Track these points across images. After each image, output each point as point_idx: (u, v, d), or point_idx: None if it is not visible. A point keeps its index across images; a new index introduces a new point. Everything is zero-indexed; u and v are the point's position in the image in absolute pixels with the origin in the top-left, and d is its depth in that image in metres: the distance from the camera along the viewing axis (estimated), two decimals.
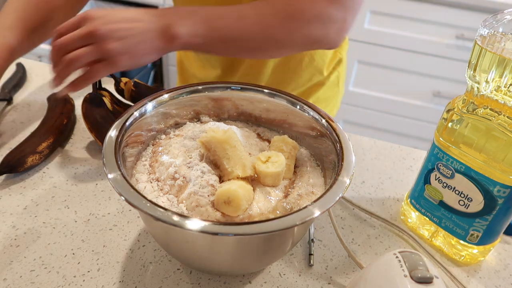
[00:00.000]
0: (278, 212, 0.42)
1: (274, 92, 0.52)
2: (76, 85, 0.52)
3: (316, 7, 0.56)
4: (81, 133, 0.67)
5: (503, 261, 0.52)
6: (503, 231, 0.49)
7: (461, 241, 0.50)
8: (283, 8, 0.55)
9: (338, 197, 0.38)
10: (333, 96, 0.85)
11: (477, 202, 0.46)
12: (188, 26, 0.52)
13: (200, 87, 0.52)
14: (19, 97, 0.75)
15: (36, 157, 0.58)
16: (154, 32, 0.51)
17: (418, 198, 0.53)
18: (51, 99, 0.69)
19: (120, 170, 0.38)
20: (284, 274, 0.47)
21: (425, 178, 0.51)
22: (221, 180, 0.43)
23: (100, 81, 0.65)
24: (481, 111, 0.44)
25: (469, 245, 0.49)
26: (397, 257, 0.35)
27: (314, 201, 0.37)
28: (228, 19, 0.54)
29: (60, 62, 0.49)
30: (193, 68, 0.82)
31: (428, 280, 0.33)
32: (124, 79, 0.66)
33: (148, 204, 0.35)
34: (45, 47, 1.58)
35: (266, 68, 0.74)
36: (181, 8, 0.54)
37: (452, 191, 0.48)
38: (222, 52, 0.59)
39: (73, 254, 0.47)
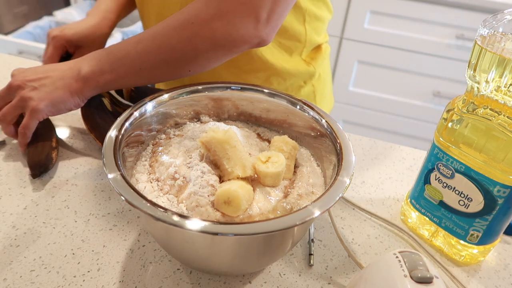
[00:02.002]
0: (278, 212, 0.42)
1: (274, 92, 0.52)
2: (20, 144, 0.59)
3: (214, 5, 0.50)
4: (81, 133, 0.67)
5: (503, 261, 0.52)
6: (503, 231, 0.49)
7: (461, 241, 0.50)
8: (176, 19, 0.52)
9: (338, 197, 0.38)
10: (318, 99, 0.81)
11: (477, 202, 0.46)
12: (93, 66, 0.54)
13: (200, 87, 0.52)
14: None
15: (56, 152, 0.60)
16: (67, 79, 0.55)
17: (418, 198, 0.53)
18: None
19: (120, 170, 0.38)
20: (284, 274, 0.47)
21: (425, 178, 0.51)
22: (221, 180, 0.43)
23: None
24: (481, 111, 0.44)
25: (469, 245, 0.49)
26: (397, 257, 0.35)
27: (314, 201, 0.37)
28: (127, 46, 0.54)
29: None
30: None
31: (428, 280, 0.33)
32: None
33: (148, 204, 0.35)
34: None
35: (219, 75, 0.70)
36: (94, 52, 0.56)
37: (452, 191, 0.48)
38: (137, 81, 0.56)
39: (73, 254, 0.47)
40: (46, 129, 0.62)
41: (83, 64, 0.55)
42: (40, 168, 0.57)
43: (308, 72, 0.74)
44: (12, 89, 0.56)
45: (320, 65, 0.77)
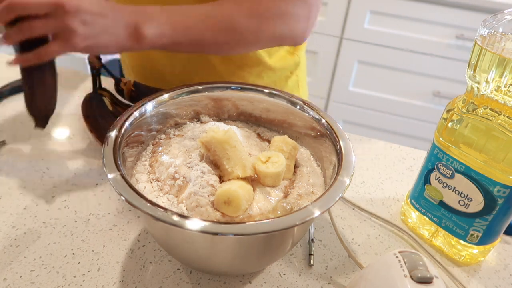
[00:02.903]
0: (278, 212, 0.42)
1: (274, 92, 0.52)
2: (20, 61, 0.49)
3: (281, 5, 0.57)
4: (81, 133, 0.67)
5: (503, 261, 0.52)
6: (503, 231, 0.49)
7: (461, 241, 0.50)
8: (249, 7, 0.56)
9: (338, 197, 0.38)
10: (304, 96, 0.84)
11: (477, 202, 0.46)
12: (155, 28, 0.51)
13: (200, 87, 0.52)
14: (19, 96, 0.75)
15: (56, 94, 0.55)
16: (121, 29, 0.50)
17: (418, 198, 0.53)
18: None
19: (120, 170, 0.38)
20: (284, 274, 0.47)
21: (425, 178, 0.51)
22: (221, 180, 0.43)
23: (100, 81, 0.65)
24: (481, 111, 0.44)
25: (469, 245, 0.49)
26: (397, 257, 0.35)
27: (314, 201, 0.37)
28: (194, 19, 0.54)
29: (10, 24, 0.47)
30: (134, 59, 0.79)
31: (428, 280, 0.33)
32: (124, 79, 0.66)
33: (148, 204, 0.35)
34: None
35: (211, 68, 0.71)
36: (148, 8, 0.53)
37: (452, 191, 0.48)
38: (189, 50, 0.59)
39: (73, 254, 0.47)
40: (52, 65, 0.55)
41: (142, 21, 0.51)
42: (47, 116, 0.52)
43: (294, 62, 0.77)
44: (59, 8, 0.47)
45: (302, 52, 0.79)
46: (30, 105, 0.52)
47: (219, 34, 0.55)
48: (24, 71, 0.51)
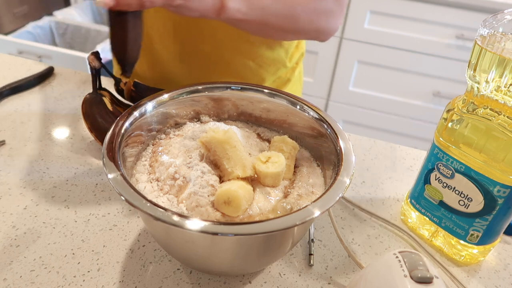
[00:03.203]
0: (278, 212, 0.42)
1: (274, 92, 0.52)
2: (127, 3, 0.48)
3: (328, 3, 0.63)
4: (81, 133, 0.67)
5: (503, 261, 0.52)
6: (503, 231, 0.49)
7: (461, 241, 0.50)
8: (316, 6, 0.62)
9: (338, 197, 0.38)
10: (297, 93, 0.86)
11: (477, 202, 0.46)
12: (236, 3, 0.54)
13: (200, 87, 0.52)
14: (19, 96, 0.75)
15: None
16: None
17: (418, 198, 0.53)
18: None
19: (120, 170, 0.38)
20: (284, 274, 0.47)
21: (425, 178, 0.51)
22: (221, 180, 0.43)
23: (100, 81, 0.65)
24: (481, 111, 0.44)
25: (469, 245, 0.49)
26: (397, 257, 0.35)
27: (314, 201, 0.37)
28: (267, 1, 0.58)
29: None
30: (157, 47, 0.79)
31: (428, 280, 0.33)
32: (124, 79, 0.66)
33: (148, 204, 0.35)
34: (47, 48, 1.58)
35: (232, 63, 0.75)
36: None
37: (452, 191, 0.48)
38: (253, 29, 0.63)
39: (73, 254, 0.47)
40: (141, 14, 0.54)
41: None
42: (134, 63, 0.52)
43: (300, 54, 0.81)
44: None
45: (303, 43, 0.83)
46: (121, 51, 0.52)
47: (283, 20, 0.61)
48: (119, 17, 0.50)
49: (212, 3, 0.53)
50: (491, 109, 0.43)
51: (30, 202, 0.53)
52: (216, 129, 0.44)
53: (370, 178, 0.64)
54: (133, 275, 0.46)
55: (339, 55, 1.67)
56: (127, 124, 0.45)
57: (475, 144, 0.45)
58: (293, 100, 0.52)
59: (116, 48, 0.51)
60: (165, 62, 0.75)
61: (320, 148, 0.49)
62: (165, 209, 0.34)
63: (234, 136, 0.43)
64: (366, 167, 0.66)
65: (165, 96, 0.50)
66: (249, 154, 0.47)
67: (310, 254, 0.49)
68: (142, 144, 0.49)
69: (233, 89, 0.53)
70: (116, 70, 0.58)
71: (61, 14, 1.96)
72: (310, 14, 0.62)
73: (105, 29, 1.87)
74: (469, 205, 0.47)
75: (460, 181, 0.47)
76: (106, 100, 0.63)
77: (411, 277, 0.33)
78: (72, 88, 0.79)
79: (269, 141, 0.52)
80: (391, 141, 0.73)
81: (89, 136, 0.66)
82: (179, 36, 0.71)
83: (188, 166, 0.43)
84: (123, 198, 0.35)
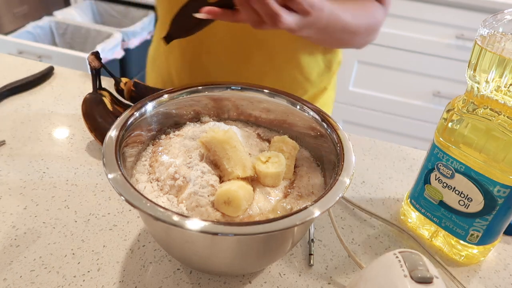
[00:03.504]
0: (278, 212, 0.42)
1: (274, 92, 0.52)
2: (257, 22, 0.49)
3: (383, 22, 0.68)
4: (81, 133, 0.67)
5: (503, 261, 0.52)
6: (503, 231, 0.49)
7: (461, 241, 0.50)
8: (370, 19, 0.65)
9: (338, 197, 0.38)
10: (331, 100, 0.86)
11: (477, 202, 0.46)
12: (324, 14, 0.54)
13: (200, 87, 0.52)
14: (19, 96, 0.75)
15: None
16: (316, 28, 0.54)
17: (418, 198, 0.53)
18: None
19: (120, 170, 0.38)
20: (284, 274, 0.47)
21: (425, 178, 0.51)
22: (221, 180, 0.43)
23: (100, 81, 0.65)
24: (481, 111, 0.44)
25: (469, 245, 0.49)
26: (397, 257, 0.35)
27: (314, 201, 0.37)
28: (343, 15, 0.59)
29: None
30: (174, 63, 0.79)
31: (428, 280, 0.33)
32: (124, 79, 0.66)
33: (148, 204, 0.35)
34: (47, 48, 1.58)
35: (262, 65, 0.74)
36: (331, 4, 0.56)
37: (452, 191, 0.48)
38: (321, 36, 0.63)
39: (73, 254, 0.47)
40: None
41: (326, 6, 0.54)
42: (178, 37, 0.53)
43: (329, 76, 0.82)
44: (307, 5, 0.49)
45: (338, 66, 0.83)
46: (179, 27, 0.54)
47: (348, 34, 0.63)
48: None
49: (315, 31, 0.55)
50: (491, 109, 0.43)
51: (30, 202, 0.53)
52: (216, 129, 0.44)
53: (370, 178, 0.64)
54: (133, 275, 0.46)
55: None
56: (127, 124, 0.45)
57: (475, 144, 0.45)
58: (293, 100, 0.52)
59: (178, 21, 0.53)
60: (211, 73, 0.74)
61: (320, 148, 0.49)
62: (165, 209, 0.34)
63: (234, 136, 0.43)
64: (366, 167, 0.66)
65: (165, 96, 0.50)
66: (249, 154, 0.47)
67: (310, 254, 0.49)
68: (142, 144, 0.49)
69: (233, 89, 0.53)
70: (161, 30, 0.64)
71: (61, 14, 1.96)
72: (368, 28, 0.65)
73: (105, 29, 1.87)
74: (469, 205, 0.47)
75: (460, 181, 0.47)
76: (106, 100, 0.63)
77: (411, 277, 0.33)
78: (72, 88, 0.79)
79: (269, 141, 0.52)
80: (391, 141, 0.73)
81: (89, 136, 0.66)
82: (234, 44, 0.71)
83: (188, 166, 0.43)
84: (123, 198, 0.35)
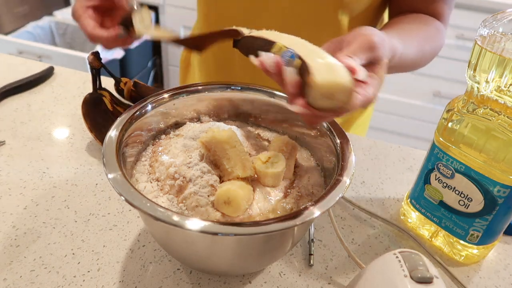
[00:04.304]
0: (278, 212, 0.42)
1: (274, 92, 0.52)
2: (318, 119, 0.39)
3: (444, 41, 0.65)
4: (81, 133, 0.67)
5: (503, 261, 0.52)
6: (503, 231, 0.49)
7: (461, 241, 0.50)
8: (435, 48, 0.62)
9: (338, 197, 0.38)
10: (369, 119, 0.85)
11: (477, 202, 0.46)
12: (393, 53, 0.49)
13: (200, 87, 0.52)
14: (19, 96, 0.75)
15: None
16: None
17: (418, 198, 0.53)
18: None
19: (120, 170, 0.38)
20: (284, 274, 0.47)
21: (425, 178, 0.51)
22: (221, 180, 0.43)
23: (100, 81, 0.65)
24: (481, 111, 0.44)
25: (469, 245, 0.49)
26: (397, 257, 0.35)
27: (314, 201, 0.37)
28: (412, 50, 0.55)
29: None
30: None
31: (428, 280, 0.33)
32: (124, 79, 0.66)
33: (148, 204, 0.35)
34: (47, 48, 1.58)
35: None
36: (394, 43, 0.49)
37: (452, 191, 0.48)
38: (396, 71, 0.63)
39: (73, 254, 0.47)
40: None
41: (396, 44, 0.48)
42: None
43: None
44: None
45: None
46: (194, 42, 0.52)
47: (413, 63, 0.60)
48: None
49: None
50: (491, 109, 0.43)
51: (30, 202, 0.53)
52: (216, 129, 0.44)
53: (370, 178, 0.64)
54: (133, 275, 0.46)
55: None
56: (127, 124, 0.45)
57: (475, 144, 0.45)
58: None
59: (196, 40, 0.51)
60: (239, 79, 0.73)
61: (320, 148, 0.49)
62: (165, 209, 0.34)
63: (234, 136, 0.43)
64: (366, 167, 0.66)
65: (165, 96, 0.50)
66: (249, 154, 0.47)
67: (310, 254, 0.49)
68: (142, 144, 0.49)
69: (233, 89, 0.53)
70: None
71: (61, 14, 1.96)
72: (432, 54, 0.62)
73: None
74: (469, 205, 0.47)
75: (460, 181, 0.47)
76: (106, 100, 0.63)
77: (411, 277, 0.33)
78: (72, 88, 0.79)
79: (269, 141, 0.52)
80: (391, 141, 0.73)
81: (89, 136, 0.66)
82: None
83: (188, 166, 0.43)
84: (123, 198, 0.35)
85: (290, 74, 0.35)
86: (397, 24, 0.61)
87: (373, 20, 0.68)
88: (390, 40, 0.43)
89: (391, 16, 0.67)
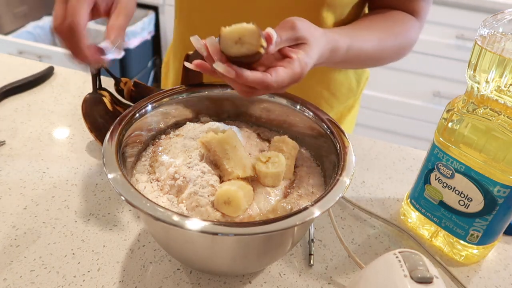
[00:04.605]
0: (278, 212, 0.42)
1: (274, 92, 0.52)
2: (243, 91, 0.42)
3: (418, 37, 0.65)
4: (81, 133, 0.67)
5: (503, 261, 0.52)
6: (503, 231, 0.49)
7: (461, 241, 0.50)
8: (401, 43, 0.63)
9: (338, 197, 0.38)
10: (355, 118, 0.85)
11: (477, 202, 0.46)
12: (341, 54, 0.51)
13: (200, 87, 0.52)
14: (19, 96, 0.75)
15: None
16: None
17: (418, 198, 0.53)
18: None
19: (120, 170, 0.38)
20: (284, 274, 0.47)
21: (425, 178, 0.51)
22: (221, 180, 0.43)
23: (100, 81, 0.65)
24: (481, 111, 0.44)
25: (469, 245, 0.49)
26: (397, 257, 0.35)
27: (314, 201, 0.37)
28: (364, 44, 0.56)
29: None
30: None
31: (428, 280, 0.33)
32: (124, 79, 0.66)
33: (148, 204, 0.35)
34: (47, 48, 1.58)
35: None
36: (337, 39, 0.50)
37: (452, 191, 0.48)
38: (340, 66, 0.64)
39: (73, 254, 0.47)
40: None
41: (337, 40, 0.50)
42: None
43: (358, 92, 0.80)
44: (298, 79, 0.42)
45: (366, 81, 0.81)
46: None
47: (375, 60, 0.62)
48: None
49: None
50: (491, 109, 0.43)
51: (30, 202, 0.53)
52: (216, 129, 0.44)
53: (370, 178, 0.64)
54: (133, 275, 0.46)
55: None
56: (127, 124, 0.45)
57: (475, 144, 0.45)
58: (293, 100, 0.52)
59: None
60: None
61: (320, 148, 0.49)
62: (165, 209, 0.34)
63: (234, 136, 0.43)
64: (366, 167, 0.66)
65: (165, 96, 0.50)
66: (249, 154, 0.47)
67: (310, 254, 0.49)
68: (142, 144, 0.49)
69: (233, 89, 0.53)
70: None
71: None
72: (397, 50, 0.62)
73: (105, 29, 1.87)
74: (469, 205, 0.47)
75: (460, 181, 0.47)
76: (106, 100, 0.63)
77: (411, 277, 0.33)
78: (72, 88, 0.79)
79: (269, 141, 0.52)
80: (391, 141, 0.73)
81: (89, 136, 0.66)
82: None
83: (188, 166, 0.43)
84: (123, 198, 0.35)
85: (211, 42, 0.39)
86: (359, 20, 0.61)
87: (358, 17, 0.68)
88: (332, 36, 0.47)
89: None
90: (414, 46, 0.69)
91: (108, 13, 0.49)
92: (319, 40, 0.44)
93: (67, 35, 0.44)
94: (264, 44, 0.37)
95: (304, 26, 0.42)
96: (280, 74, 0.39)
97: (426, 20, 0.67)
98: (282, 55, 0.41)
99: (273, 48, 0.39)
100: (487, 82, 0.43)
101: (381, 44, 0.59)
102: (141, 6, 2.02)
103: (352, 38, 0.52)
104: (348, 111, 0.79)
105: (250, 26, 0.37)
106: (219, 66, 0.38)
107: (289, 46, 0.42)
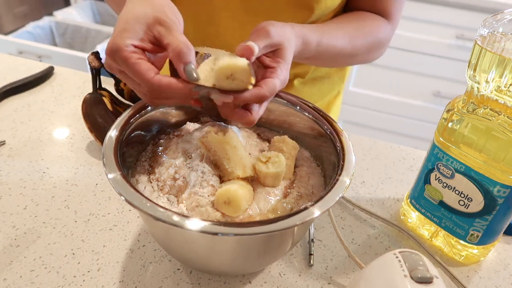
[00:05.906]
0: (278, 212, 0.42)
1: None
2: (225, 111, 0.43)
3: (389, 38, 0.66)
4: (81, 133, 0.67)
5: (503, 261, 0.52)
6: (503, 231, 0.49)
7: (461, 241, 0.50)
8: (371, 42, 0.63)
9: (338, 197, 0.38)
10: (340, 104, 0.86)
11: (477, 202, 0.46)
12: (311, 51, 0.53)
13: None
14: (19, 96, 0.75)
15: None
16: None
17: (418, 198, 0.53)
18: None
19: (120, 170, 0.38)
20: (284, 274, 0.47)
21: (425, 178, 0.51)
22: (221, 180, 0.43)
23: (100, 81, 0.65)
24: (481, 111, 0.44)
25: (469, 245, 0.49)
26: (397, 257, 0.35)
27: (314, 201, 0.37)
28: (335, 41, 0.57)
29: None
30: None
31: (428, 280, 0.33)
32: None
33: (148, 204, 0.35)
34: (47, 48, 1.58)
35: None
36: (306, 39, 0.52)
37: (452, 191, 0.48)
38: (320, 65, 0.65)
39: (73, 254, 0.47)
40: None
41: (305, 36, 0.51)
42: None
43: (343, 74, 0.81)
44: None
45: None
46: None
47: (347, 57, 0.62)
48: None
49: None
50: (491, 109, 0.43)
51: (30, 202, 0.53)
52: (216, 129, 0.44)
53: (370, 178, 0.64)
54: (133, 275, 0.46)
55: None
56: (127, 124, 0.45)
57: (475, 144, 0.45)
58: (293, 100, 0.52)
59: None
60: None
61: (320, 148, 0.49)
62: (165, 209, 0.34)
63: (234, 136, 0.43)
64: (366, 167, 0.66)
65: None
66: (249, 154, 0.47)
67: (310, 254, 0.49)
68: (142, 144, 0.49)
69: None
70: None
71: (61, 14, 1.96)
72: (367, 49, 0.63)
73: (105, 29, 1.87)
74: (469, 205, 0.47)
75: (460, 181, 0.47)
76: (106, 100, 0.63)
77: (411, 277, 0.33)
78: (72, 88, 0.79)
79: (269, 141, 0.52)
80: (391, 141, 0.73)
81: (89, 136, 0.66)
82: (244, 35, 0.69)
83: (188, 166, 0.43)
84: (123, 198, 0.35)
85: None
86: (330, 20, 0.62)
87: None
88: (300, 30, 0.49)
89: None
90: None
91: (158, 41, 0.42)
92: (291, 41, 0.46)
93: (168, 101, 0.43)
94: (253, 81, 0.39)
95: (277, 32, 0.44)
96: (270, 84, 0.41)
97: (399, 21, 0.68)
98: (262, 65, 0.44)
99: (253, 59, 0.41)
100: (487, 82, 0.43)
101: (352, 41, 0.60)
102: None
103: (322, 34, 0.54)
104: (335, 98, 0.80)
105: (243, 63, 0.38)
106: (216, 96, 0.40)
107: (266, 53, 0.44)
